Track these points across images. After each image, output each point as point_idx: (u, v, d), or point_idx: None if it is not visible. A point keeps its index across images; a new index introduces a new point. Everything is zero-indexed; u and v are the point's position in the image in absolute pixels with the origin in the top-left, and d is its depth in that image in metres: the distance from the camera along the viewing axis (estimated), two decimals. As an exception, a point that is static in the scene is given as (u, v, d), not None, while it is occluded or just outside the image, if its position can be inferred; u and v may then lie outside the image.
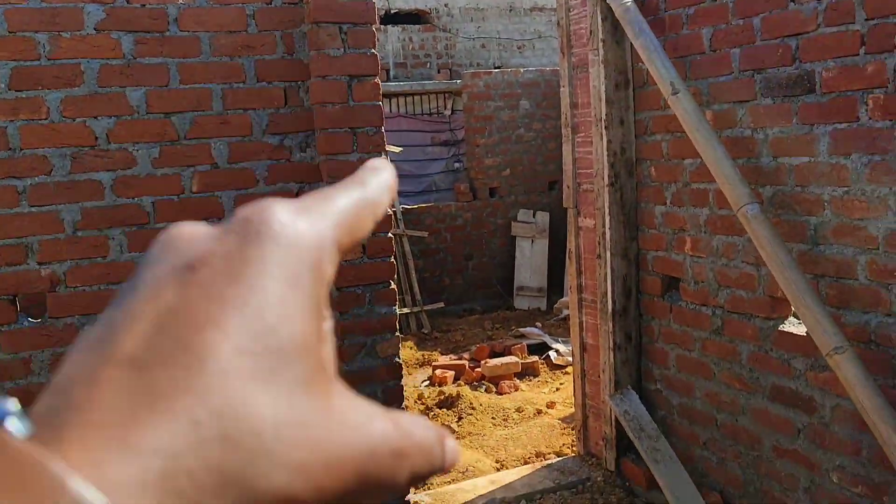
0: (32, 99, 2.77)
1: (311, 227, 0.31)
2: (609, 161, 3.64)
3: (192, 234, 0.31)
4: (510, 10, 10.86)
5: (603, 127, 3.63)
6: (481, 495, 3.74)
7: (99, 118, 2.87)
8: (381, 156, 3.20)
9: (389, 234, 3.28)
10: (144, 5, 2.88)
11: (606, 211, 3.68)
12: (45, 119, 2.80)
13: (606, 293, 3.75)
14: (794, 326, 3.03)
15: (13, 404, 0.25)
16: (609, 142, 3.63)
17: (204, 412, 0.26)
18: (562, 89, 4.00)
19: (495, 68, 9.95)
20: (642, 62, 3.41)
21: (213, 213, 3.05)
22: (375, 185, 0.36)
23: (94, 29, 2.82)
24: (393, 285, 3.31)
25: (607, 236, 3.70)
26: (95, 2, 2.81)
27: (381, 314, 3.27)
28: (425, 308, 7.79)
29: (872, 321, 2.65)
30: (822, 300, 2.74)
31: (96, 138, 2.87)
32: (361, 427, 0.29)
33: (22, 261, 2.82)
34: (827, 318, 2.58)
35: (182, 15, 2.94)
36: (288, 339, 0.28)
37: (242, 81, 3.05)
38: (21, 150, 2.78)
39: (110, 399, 0.25)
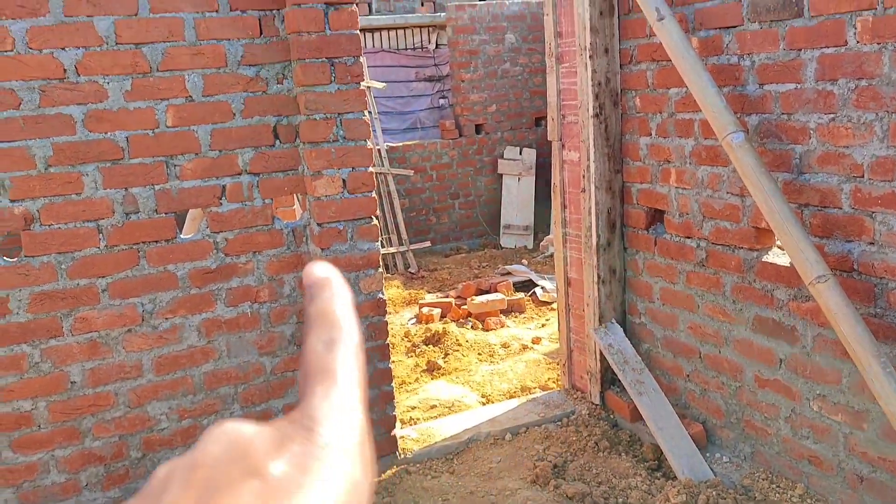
0: (-4, 29, 2.67)
1: (351, 427, 0.37)
2: (594, 92, 3.58)
3: (251, 436, 0.34)
4: (495, -58, 10.57)
5: (587, 56, 3.55)
6: (467, 429, 3.77)
7: (66, 49, 2.77)
8: (359, 87, 3.12)
9: (370, 169, 3.22)
10: (109, -71, 2.76)
11: (591, 143, 3.63)
12: (11, 50, 2.70)
13: (591, 227, 3.72)
14: (777, 257, 3.02)
15: None
16: (594, 71, 3.56)
17: None
18: (546, 17, 3.90)
19: (480, 0, 9.74)
20: (628, -11, 3.31)
21: (189, 148, 2.98)
22: (346, 321, 0.41)
23: (58, -45, 2.71)
24: (375, 221, 3.27)
25: (591, 169, 3.65)
26: (57, -74, 2.69)
27: (364, 250, 3.23)
28: (411, 247, 7.76)
29: (855, 250, 2.64)
30: (806, 229, 2.73)
31: (65, 70, 2.78)
32: None
33: (-7, 198, 2.76)
34: (810, 247, 2.56)
35: (149, -60, 2.82)
36: None
37: (215, 10, 2.95)
38: (-14, 83, 2.69)
39: None
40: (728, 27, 2.99)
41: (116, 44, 2.83)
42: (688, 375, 3.54)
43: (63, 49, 2.77)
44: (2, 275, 2.82)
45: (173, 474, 0.33)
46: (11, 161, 2.76)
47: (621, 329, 3.83)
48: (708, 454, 3.38)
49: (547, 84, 3.99)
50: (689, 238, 3.39)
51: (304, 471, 0.33)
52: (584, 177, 3.72)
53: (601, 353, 3.81)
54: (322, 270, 0.43)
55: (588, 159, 3.67)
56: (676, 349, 3.58)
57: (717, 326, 3.31)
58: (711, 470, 3.25)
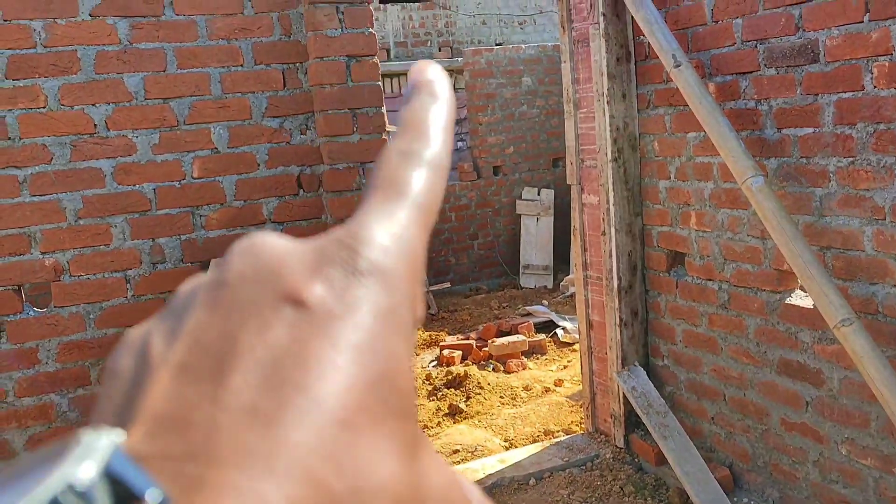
0: (30, 87, 2.76)
1: (403, 253, 0.30)
2: (612, 136, 3.61)
3: (284, 253, 0.29)
4: (510, -14, 10.76)
5: (605, 102, 3.60)
6: (490, 474, 3.75)
7: (97, 105, 2.85)
8: (381, 136, 3.18)
9: (392, 216, 3.26)
10: (139, -10, 2.86)
11: (610, 187, 3.66)
12: (43, 107, 2.78)
13: (612, 270, 3.73)
14: (800, 299, 3.02)
15: (152, 488, 0.22)
16: (611, 117, 3.60)
17: (328, 471, 0.24)
18: (563, 65, 3.96)
19: (496, 45, 9.86)
20: (643, 35, 3.37)
21: (215, 199, 3.04)
22: (439, 126, 0.34)
23: (89, 15, 2.80)
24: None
25: (611, 212, 3.68)
26: (89, -13, 2.79)
27: (386, 296, 3.26)
28: (431, 288, 7.79)
29: (879, 293, 2.63)
30: (829, 272, 2.72)
31: (95, 126, 2.85)
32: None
33: (25, 250, 2.82)
34: (833, 290, 2.56)
35: (177, -1, 2.91)
36: (403, 392, 0.27)
37: (240, 65, 3.03)
38: (20, 139, 2.77)
39: (235, 455, 0.24)
40: (744, 73, 3.02)
41: (145, 99, 2.91)
42: (713, 418, 3.51)
43: (94, 105, 2.85)
44: (31, 325, 2.87)
45: (197, 292, 0.28)
46: (42, 214, 2.82)
47: (644, 372, 3.82)
48: (735, 499, 3.33)
49: (565, 129, 4.03)
50: (710, 280, 3.39)
51: (342, 300, 0.27)
52: (604, 220, 3.75)
53: (625, 397, 3.79)
54: (429, 71, 0.35)
55: (608, 203, 3.69)
56: (700, 392, 3.56)
57: (742, 369, 3.29)
58: (740, 515, 3.20)
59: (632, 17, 3.47)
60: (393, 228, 0.30)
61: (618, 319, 3.76)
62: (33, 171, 2.80)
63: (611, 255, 3.73)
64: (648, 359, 3.87)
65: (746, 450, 3.34)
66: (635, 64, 3.62)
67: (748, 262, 3.16)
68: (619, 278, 3.72)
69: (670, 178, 3.51)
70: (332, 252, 0.28)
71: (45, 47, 2.76)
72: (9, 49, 2.72)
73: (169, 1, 2.90)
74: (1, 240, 2.79)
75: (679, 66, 3.02)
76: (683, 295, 3.56)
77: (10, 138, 2.76)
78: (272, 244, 0.29)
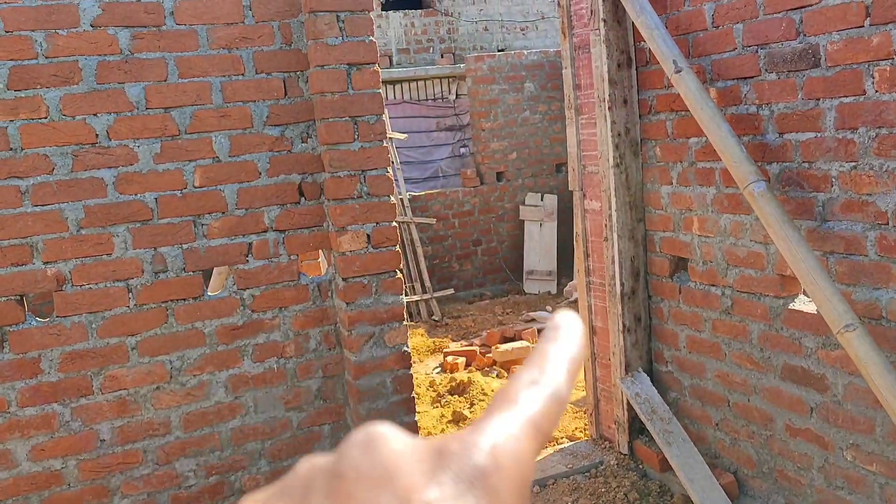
0: (31, 98, 2.77)
1: (512, 466, 0.32)
2: (613, 142, 3.61)
3: (400, 452, 0.31)
4: (512, -8, 10.78)
5: (606, 108, 3.59)
6: (494, 481, 3.74)
7: (99, 115, 2.86)
8: (382, 144, 3.18)
9: (394, 223, 3.26)
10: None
11: (612, 193, 3.65)
12: (45, 118, 2.79)
13: (614, 275, 3.73)
14: (804, 305, 3.00)
15: None
16: (613, 122, 3.60)
17: None
18: (564, 71, 3.96)
19: (499, 51, 9.88)
20: (644, 41, 3.37)
21: (217, 207, 3.04)
22: (566, 368, 0.37)
23: (91, 25, 2.81)
24: (399, 274, 3.30)
25: (613, 218, 3.67)
26: (90, -2, 2.80)
27: (388, 304, 3.26)
28: (435, 295, 7.78)
29: (883, 297, 2.62)
30: (832, 277, 2.71)
31: (97, 135, 2.86)
32: None
33: (28, 260, 2.82)
34: (837, 296, 2.55)
35: (178, 8, 2.92)
36: None
37: (241, 73, 3.03)
38: (22, 149, 2.78)
39: None
40: (746, 78, 3.01)
41: (146, 109, 2.91)
42: (717, 424, 3.49)
43: (95, 115, 2.85)
44: (34, 335, 2.87)
45: (316, 478, 0.31)
46: (45, 224, 2.83)
47: (648, 378, 3.80)
48: (740, 506, 3.32)
49: (567, 135, 4.03)
50: (713, 286, 3.38)
51: (457, 501, 0.30)
52: (606, 226, 3.74)
53: (628, 403, 3.78)
54: (565, 319, 0.40)
55: (610, 208, 3.69)
56: (704, 398, 3.54)
57: (746, 375, 3.28)
58: (745, 522, 3.19)
59: (632, 22, 3.47)
60: (507, 442, 0.32)
61: (621, 325, 3.75)
62: (35, 182, 2.80)
63: (613, 261, 3.72)
64: (652, 365, 3.86)
65: (751, 456, 3.33)
66: (636, 69, 3.62)
67: (751, 267, 3.15)
68: (622, 284, 3.71)
69: (672, 183, 3.51)
70: (447, 457, 0.31)
71: (46, 58, 2.77)
72: (11, 60, 2.72)
73: (170, 10, 2.90)
74: (3, 250, 2.79)
75: (680, 71, 3.02)
76: (686, 300, 3.55)
77: (11, 149, 2.76)
78: (390, 441, 0.31)
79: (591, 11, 3.61)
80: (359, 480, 0.30)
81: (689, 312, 3.55)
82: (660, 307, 3.74)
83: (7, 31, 2.71)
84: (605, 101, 3.60)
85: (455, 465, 0.31)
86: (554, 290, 8.28)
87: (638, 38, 3.54)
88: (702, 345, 3.51)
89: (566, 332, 0.39)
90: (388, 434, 0.32)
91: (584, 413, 4.51)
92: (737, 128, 3.02)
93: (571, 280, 8.17)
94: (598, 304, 4.00)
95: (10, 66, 2.73)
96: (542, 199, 8.54)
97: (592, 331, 4.07)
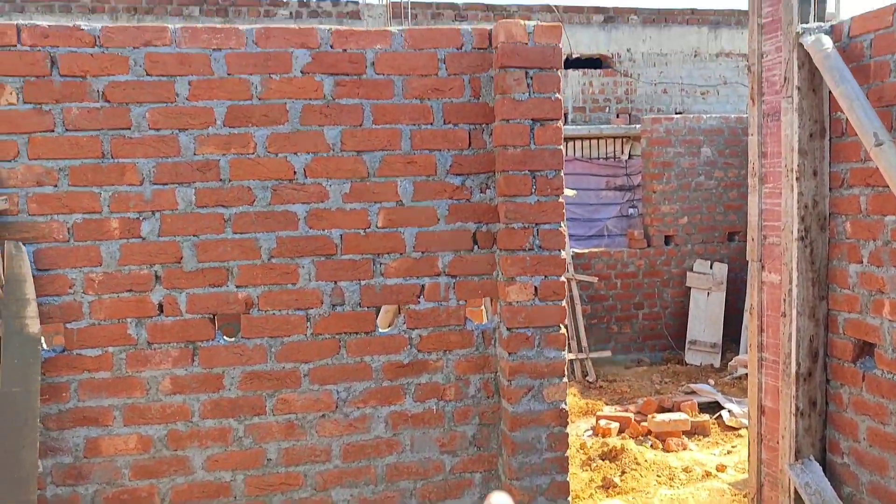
0: (243, 135, 3.03)
1: None
2: (799, 214, 3.46)
3: None
4: (695, 56, 10.63)
5: (794, 178, 3.45)
6: (643, 554, 3.59)
7: (298, 154, 3.08)
8: (558, 199, 3.21)
9: (562, 278, 3.27)
10: (346, 49, 3.08)
11: (794, 266, 3.49)
12: (252, 153, 3.05)
13: (790, 354, 3.53)
14: None
15: None
16: (800, 194, 3.45)
17: None
18: (750, 138, 3.85)
19: (676, 114, 9.74)
20: (841, 111, 3.23)
21: (395, 248, 3.18)
22: None
23: (301, 72, 3.05)
24: (563, 330, 3.29)
25: (793, 293, 3.49)
26: (303, 46, 3.04)
27: (550, 358, 3.25)
28: (591, 356, 7.66)
29: None
30: None
31: (295, 172, 3.08)
32: None
33: (223, 283, 3.07)
34: None
35: (379, 59, 3.11)
36: None
37: (430, 123, 3.18)
38: (230, 181, 3.04)
39: None
40: (956, 156, 2.81)
41: (341, 150, 3.11)
42: (898, 528, 3.19)
43: (296, 154, 3.08)
44: (220, 353, 3.10)
45: None
46: (241, 251, 3.06)
47: (820, 467, 3.55)
48: None
49: (748, 203, 3.90)
50: (904, 376, 3.12)
51: None
52: (785, 301, 3.56)
53: (796, 492, 3.53)
54: (498, 499, 0.42)
55: (790, 283, 3.51)
56: (886, 498, 3.25)
57: (936, 477, 2.99)
58: None
59: (829, 91, 3.33)
60: None
61: (794, 408, 3.53)
62: (237, 211, 3.05)
63: (790, 339, 3.53)
64: (825, 454, 3.59)
65: (937, 569, 3.01)
66: (830, 140, 3.46)
67: (950, 360, 2.89)
68: (798, 364, 3.51)
69: (862, 262, 3.30)
70: None
71: (259, 99, 3.03)
72: (229, 100, 3.00)
73: (371, 61, 3.11)
74: (204, 271, 3.05)
75: (881, 144, 2.86)
76: (870, 389, 3.30)
77: (221, 179, 3.03)
78: None
79: (785, 78, 3.51)
80: None
81: (872, 402, 3.30)
82: (839, 393, 3.49)
83: (230, 74, 3.00)
84: (793, 170, 3.46)
85: None
86: (717, 364, 7.92)
87: (834, 108, 3.39)
88: (885, 439, 3.24)
89: None
90: None
91: (745, 497, 4.25)
92: (943, 208, 2.81)
93: (736, 354, 7.80)
94: (769, 383, 3.79)
95: (227, 105, 3.02)
96: (711, 267, 8.25)
97: (761, 410, 3.85)
